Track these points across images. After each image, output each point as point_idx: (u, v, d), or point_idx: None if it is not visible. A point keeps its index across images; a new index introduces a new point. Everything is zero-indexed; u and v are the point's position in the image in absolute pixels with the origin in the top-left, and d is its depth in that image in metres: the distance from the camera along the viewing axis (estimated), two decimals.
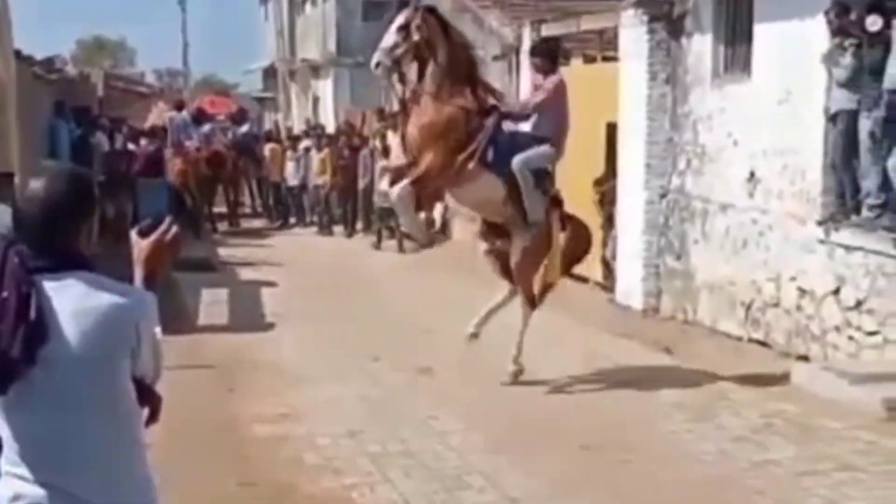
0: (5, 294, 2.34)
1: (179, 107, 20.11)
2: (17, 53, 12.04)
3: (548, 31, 13.11)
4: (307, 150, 18.86)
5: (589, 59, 13.33)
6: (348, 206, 17.85)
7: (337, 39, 24.94)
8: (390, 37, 7.66)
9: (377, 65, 7.69)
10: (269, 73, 32.64)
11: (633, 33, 10.79)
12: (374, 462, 6.03)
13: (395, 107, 19.40)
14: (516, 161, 7.52)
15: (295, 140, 19.72)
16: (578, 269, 12.37)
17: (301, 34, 28.96)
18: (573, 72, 13.40)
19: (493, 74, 15.07)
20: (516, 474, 5.79)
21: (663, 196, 10.62)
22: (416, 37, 7.51)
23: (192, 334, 9.77)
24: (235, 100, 30.10)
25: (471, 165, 7.51)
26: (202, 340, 9.50)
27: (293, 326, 10.11)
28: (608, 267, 11.63)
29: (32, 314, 2.33)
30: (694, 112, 10.21)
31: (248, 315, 10.87)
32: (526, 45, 13.40)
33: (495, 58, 14.64)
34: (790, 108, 8.73)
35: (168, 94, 36.91)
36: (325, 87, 26.17)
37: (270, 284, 12.55)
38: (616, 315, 10.66)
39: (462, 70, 7.62)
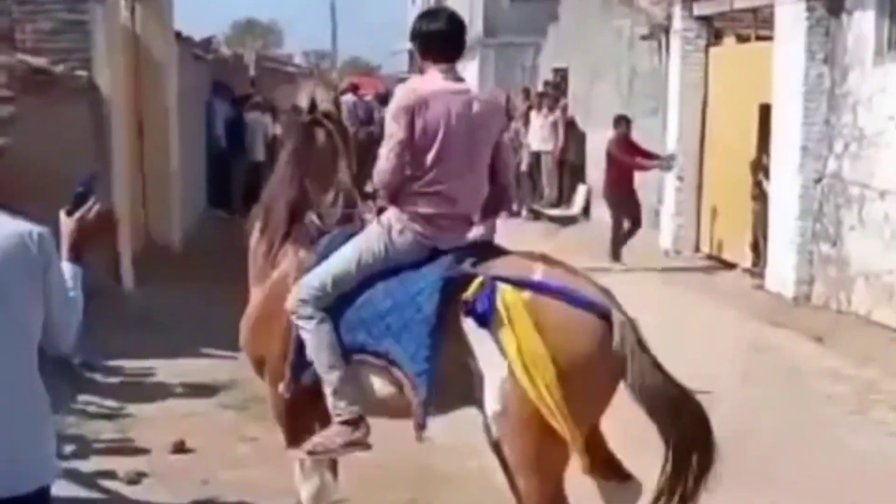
0: None
1: (353, 89, 20.81)
2: (177, 35, 12.47)
3: (699, 9, 12.77)
4: None
5: (742, 39, 12.93)
6: None
7: (484, 20, 24.97)
8: None
9: None
10: (414, 55, 32.92)
11: (791, 11, 10.40)
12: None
13: (540, 87, 19.61)
14: None
15: None
16: (727, 255, 12.17)
17: None
18: (725, 52, 13.08)
19: (640, 55, 14.84)
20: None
21: (818, 181, 10.22)
22: None
23: None
24: (381, 81, 30.50)
25: None
26: None
27: None
28: (757, 252, 11.31)
29: None
30: (853, 93, 9.78)
31: None
32: (677, 25, 13.11)
33: (643, 37, 14.38)
34: None
35: (316, 76, 37.72)
36: (470, 68, 26.23)
37: None
38: (765, 302, 10.35)
39: None
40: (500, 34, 24.42)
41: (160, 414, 6.20)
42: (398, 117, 3.89)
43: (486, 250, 3.91)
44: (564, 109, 17.79)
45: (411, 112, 3.86)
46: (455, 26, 4.09)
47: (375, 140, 19.45)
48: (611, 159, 12.46)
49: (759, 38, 12.06)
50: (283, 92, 24.21)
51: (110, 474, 5.11)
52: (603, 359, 3.55)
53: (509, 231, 17.04)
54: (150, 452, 5.50)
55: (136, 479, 5.09)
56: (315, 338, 3.95)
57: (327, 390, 3.97)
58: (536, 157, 17.37)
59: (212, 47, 16.60)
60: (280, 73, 26.87)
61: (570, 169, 17.15)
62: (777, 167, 10.74)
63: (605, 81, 16.43)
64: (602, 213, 14.13)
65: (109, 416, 6.06)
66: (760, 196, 11.25)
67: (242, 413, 6.36)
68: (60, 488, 4.88)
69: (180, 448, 5.54)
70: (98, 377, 6.81)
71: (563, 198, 17.34)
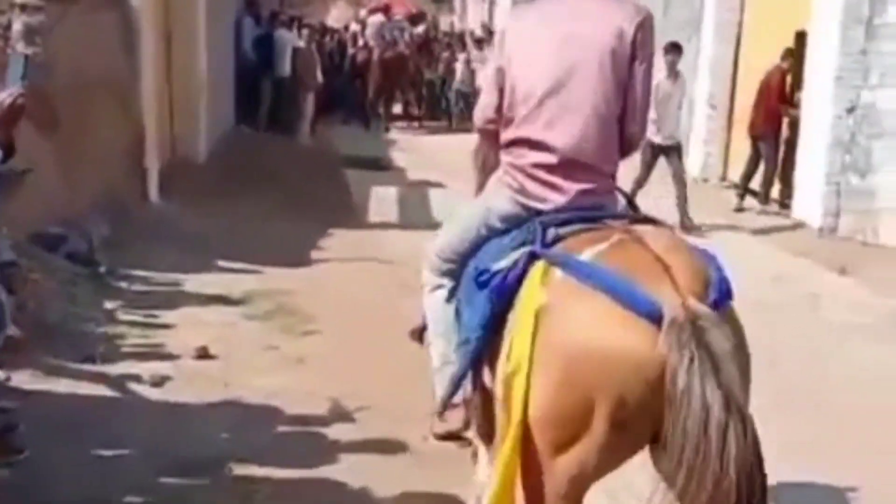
0: None
1: (383, 10, 20.76)
2: None
3: None
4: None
5: None
6: None
7: None
8: None
9: None
10: None
11: None
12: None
13: None
14: None
15: (479, 42, 19.58)
16: (755, 184, 12.07)
17: None
18: None
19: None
20: None
21: (851, 111, 10.08)
22: None
23: (362, 229, 10.07)
24: (412, 1, 30.16)
25: None
26: (374, 236, 9.74)
27: None
28: (787, 183, 11.23)
29: None
30: (892, 23, 9.60)
31: (417, 214, 11.04)
32: None
33: None
34: None
35: None
36: None
37: (438, 185, 12.68)
38: (791, 233, 10.30)
39: None
40: None
41: (184, 322, 6.29)
42: (495, 42, 3.25)
43: (592, 214, 3.01)
44: None
45: (503, 34, 3.22)
46: None
47: (405, 59, 19.55)
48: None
49: None
50: (312, 9, 24.04)
51: (136, 377, 5.21)
52: (627, 384, 2.47)
53: None
54: (174, 358, 5.60)
55: (160, 381, 5.18)
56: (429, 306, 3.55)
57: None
58: None
59: None
60: None
61: None
62: (809, 96, 10.59)
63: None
64: None
65: (135, 323, 6.16)
66: (791, 125, 11.12)
67: (265, 323, 6.45)
68: (86, 388, 5.04)
69: (204, 354, 5.64)
70: (124, 285, 6.90)
71: None
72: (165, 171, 9.77)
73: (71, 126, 6.99)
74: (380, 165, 14.43)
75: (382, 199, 11.81)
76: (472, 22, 26.73)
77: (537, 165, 3.09)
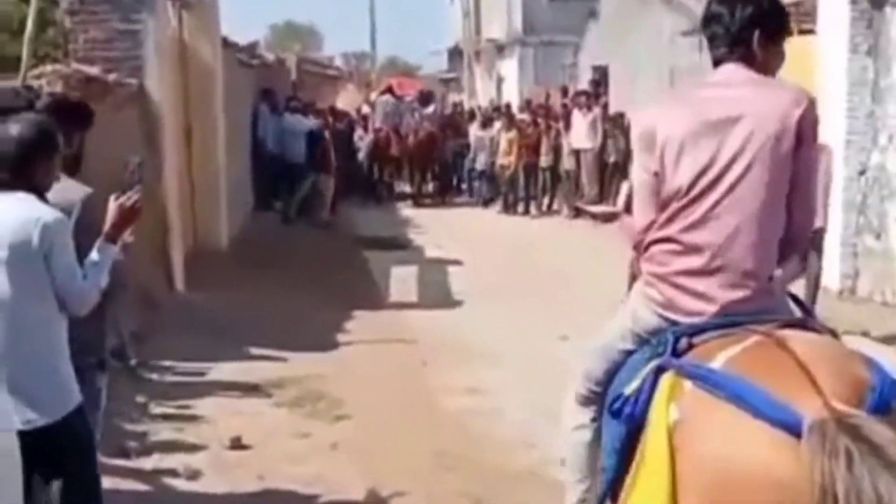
0: None
1: (390, 90, 21.30)
2: (223, 41, 12.66)
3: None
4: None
5: None
6: (531, 185, 17.98)
7: (523, 18, 25.03)
8: None
9: None
10: (454, 54, 33.07)
11: (834, 4, 10.38)
12: (563, 440, 6.09)
13: (580, 86, 19.63)
14: None
15: (487, 121, 19.89)
16: None
17: (486, 14, 29.20)
18: None
19: (681, 51, 14.83)
20: None
21: (862, 173, 10.19)
22: None
23: (383, 310, 10.16)
24: (420, 81, 30.68)
25: None
26: (394, 317, 9.83)
27: (480, 304, 10.30)
28: None
29: None
30: None
31: (436, 293, 11.14)
32: None
33: (684, 34, 14.37)
34: None
35: (356, 78, 37.98)
36: (509, 67, 26.31)
37: (456, 263, 12.79)
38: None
39: None
40: (540, 32, 24.47)
41: (216, 412, 6.36)
42: (637, 146, 2.93)
43: (732, 320, 2.69)
44: (604, 107, 17.80)
45: (648, 139, 2.87)
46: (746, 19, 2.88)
47: (434, 138, 20.27)
48: None
49: (801, 31, 12.01)
50: (323, 94, 24.48)
51: (171, 471, 5.26)
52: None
53: (549, 229, 17.00)
54: (207, 449, 5.65)
55: (194, 475, 5.23)
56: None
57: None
58: (577, 155, 17.42)
59: (256, 52, 16.83)
60: (320, 75, 27.14)
61: (612, 166, 17.17)
62: None
63: (646, 79, 16.43)
64: None
65: (167, 416, 6.22)
66: None
67: (295, 410, 6.51)
68: (123, 485, 5.08)
69: (237, 444, 5.69)
70: (154, 377, 6.99)
71: (605, 195, 17.36)
72: (188, 260, 9.92)
73: (98, 221, 7.14)
74: (398, 245, 14.58)
75: (402, 279, 11.92)
76: (482, 100, 27.12)
77: (684, 272, 2.79)
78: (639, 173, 2.90)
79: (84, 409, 3.41)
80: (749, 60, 2.87)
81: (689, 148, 2.76)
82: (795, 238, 2.88)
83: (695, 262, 2.77)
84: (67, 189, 3.76)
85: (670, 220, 2.81)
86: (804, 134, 2.77)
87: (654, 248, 2.87)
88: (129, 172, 3.51)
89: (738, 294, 2.75)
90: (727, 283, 2.76)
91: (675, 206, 2.79)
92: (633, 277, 3.17)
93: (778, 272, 2.84)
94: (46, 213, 3.26)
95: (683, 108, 2.87)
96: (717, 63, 2.94)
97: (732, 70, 2.88)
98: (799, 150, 2.77)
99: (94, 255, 3.38)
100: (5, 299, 3.19)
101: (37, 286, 3.22)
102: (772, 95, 2.81)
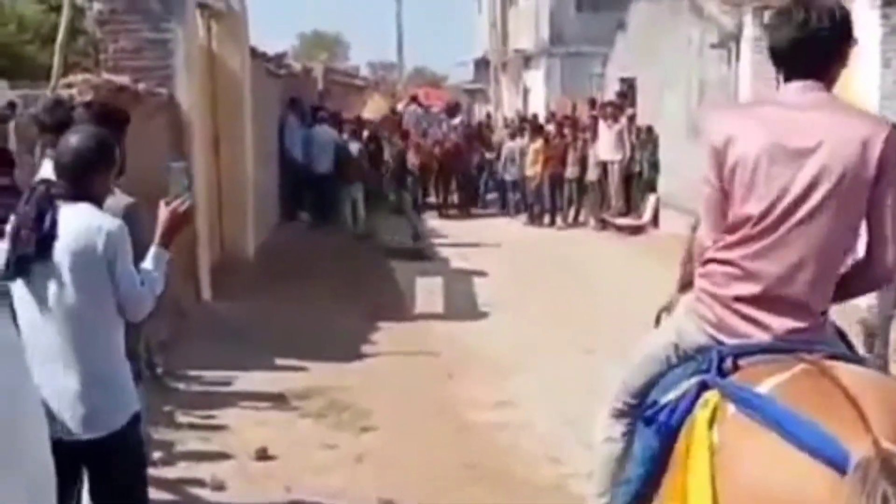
0: (28, 208, 3.26)
1: (416, 100, 21.34)
2: (252, 51, 12.72)
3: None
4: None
5: None
6: (557, 196, 17.93)
7: (550, 29, 25.02)
8: None
9: None
10: (481, 65, 33.09)
11: (866, 19, 10.30)
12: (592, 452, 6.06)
13: (607, 97, 19.59)
14: None
15: (516, 132, 19.85)
16: None
17: (513, 25, 29.22)
18: None
19: (710, 64, 14.76)
20: None
21: None
22: None
23: (409, 321, 10.15)
24: (447, 91, 30.72)
25: None
26: (420, 328, 9.82)
27: (505, 316, 10.27)
28: None
29: (46, 225, 3.23)
30: None
31: (462, 304, 11.12)
32: (748, 33, 13.02)
33: (713, 46, 14.30)
34: None
35: (382, 87, 38.08)
36: (535, 78, 26.30)
37: (482, 274, 12.76)
38: None
39: None
40: (567, 43, 24.45)
41: (242, 422, 6.36)
42: (708, 159, 2.79)
43: (781, 346, 2.66)
44: (631, 119, 17.75)
45: (719, 153, 2.75)
46: (810, 32, 2.80)
47: (461, 150, 20.21)
48: None
49: None
50: (350, 103, 24.55)
51: (197, 481, 5.27)
52: None
53: (574, 241, 16.88)
54: (233, 459, 5.66)
55: (221, 485, 5.23)
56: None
57: None
58: (604, 166, 17.37)
59: (283, 62, 16.89)
60: (347, 85, 27.22)
61: (639, 179, 17.11)
62: None
63: (674, 91, 16.36)
64: (672, 223, 14.04)
65: (193, 425, 6.24)
66: None
67: (320, 421, 6.51)
68: (151, 494, 5.08)
69: (263, 455, 5.69)
70: (181, 387, 7.01)
71: (631, 207, 17.30)
72: (215, 270, 9.95)
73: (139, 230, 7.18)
74: (423, 255, 14.58)
75: (428, 290, 11.90)
76: (508, 111, 27.11)
77: (741, 299, 2.72)
78: (707, 184, 2.81)
79: (140, 418, 3.43)
80: (821, 77, 2.78)
81: (762, 174, 2.67)
82: (878, 277, 2.80)
83: (753, 289, 2.71)
84: (112, 198, 3.78)
85: (736, 244, 2.74)
86: (886, 167, 2.64)
87: (714, 267, 2.79)
88: (182, 179, 3.55)
89: (791, 324, 2.70)
90: (782, 314, 2.70)
91: (743, 232, 2.72)
92: (685, 279, 3.15)
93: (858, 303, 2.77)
94: (109, 222, 3.30)
95: (758, 126, 2.73)
96: (785, 78, 2.83)
97: (806, 89, 2.76)
98: (878, 186, 2.66)
99: (148, 262, 3.40)
100: (69, 306, 3.23)
101: (99, 293, 3.25)
102: (850, 124, 2.69)
